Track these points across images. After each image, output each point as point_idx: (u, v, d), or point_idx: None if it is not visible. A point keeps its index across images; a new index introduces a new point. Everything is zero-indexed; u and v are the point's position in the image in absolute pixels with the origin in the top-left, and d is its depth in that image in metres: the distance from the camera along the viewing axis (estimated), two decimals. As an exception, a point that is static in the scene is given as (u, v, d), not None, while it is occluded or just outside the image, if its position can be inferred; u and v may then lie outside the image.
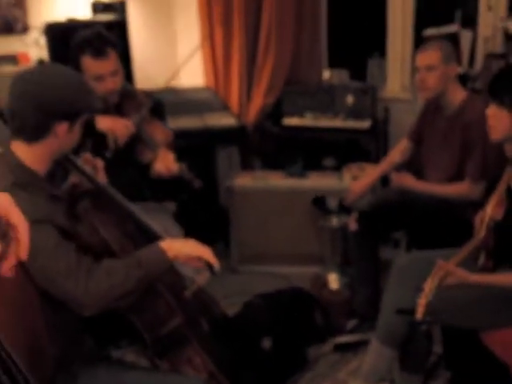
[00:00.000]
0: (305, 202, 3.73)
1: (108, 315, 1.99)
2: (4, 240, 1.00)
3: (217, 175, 4.34)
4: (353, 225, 3.24)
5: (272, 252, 3.84)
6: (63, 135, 1.84)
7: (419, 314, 2.07)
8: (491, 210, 2.42)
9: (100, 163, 2.14)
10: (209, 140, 4.23)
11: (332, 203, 3.58)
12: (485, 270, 2.41)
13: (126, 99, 2.87)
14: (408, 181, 3.21)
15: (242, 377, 2.16)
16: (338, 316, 3.23)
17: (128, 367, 2.04)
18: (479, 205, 2.96)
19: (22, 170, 1.82)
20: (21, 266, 1.09)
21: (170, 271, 2.00)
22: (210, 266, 1.97)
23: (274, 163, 4.38)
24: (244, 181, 3.90)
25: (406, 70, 4.58)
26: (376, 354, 2.54)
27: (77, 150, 2.11)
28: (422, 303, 2.07)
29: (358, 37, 5.40)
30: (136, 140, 2.76)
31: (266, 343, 2.84)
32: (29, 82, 1.87)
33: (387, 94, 4.59)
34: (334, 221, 3.63)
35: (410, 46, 4.52)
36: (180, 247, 1.95)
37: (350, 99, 4.32)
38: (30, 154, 1.84)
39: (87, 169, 2.06)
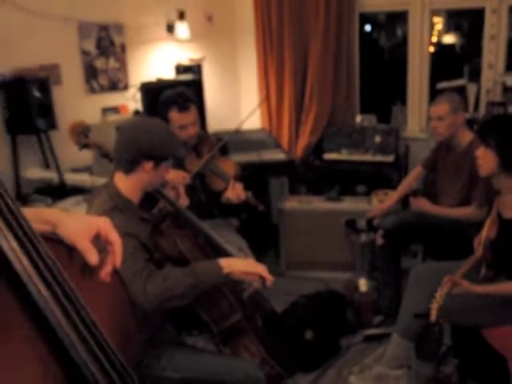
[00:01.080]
0: (340, 221, 3.72)
1: (184, 310, 2.02)
2: (102, 253, 1.04)
3: (270, 199, 4.37)
4: (379, 240, 3.23)
5: (313, 260, 3.84)
6: (149, 171, 1.91)
7: (432, 316, 2.05)
8: (486, 231, 2.39)
9: (182, 190, 2.19)
10: (264, 171, 4.28)
11: (361, 223, 3.55)
12: (486, 279, 2.37)
13: (202, 141, 2.94)
14: (424, 205, 3.18)
15: (288, 362, 2.15)
16: (367, 313, 3.20)
17: (199, 351, 2.07)
18: (481, 224, 2.93)
19: (119, 198, 1.90)
20: (115, 272, 1.13)
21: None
22: (263, 281, 1.94)
23: (315, 190, 4.40)
24: (292, 204, 3.92)
25: (422, 115, 4.58)
26: (396, 346, 2.50)
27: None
28: (434, 308, 2.05)
29: (384, 89, 5.39)
30: (207, 174, 2.81)
31: (308, 335, 2.83)
32: (129, 127, 1.96)
33: (407, 134, 4.57)
34: (363, 237, 3.61)
35: (426, 96, 4.54)
36: (238, 265, 1.91)
37: (377, 138, 4.32)
38: (126, 184, 1.91)
39: (171, 195, 2.11)
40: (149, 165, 1.90)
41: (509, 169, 2.29)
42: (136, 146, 1.89)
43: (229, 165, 2.97)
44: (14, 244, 0.88)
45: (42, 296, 0.90)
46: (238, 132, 4.65)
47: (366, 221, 3.47)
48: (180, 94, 2.77)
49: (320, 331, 2.87)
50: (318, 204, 3.87)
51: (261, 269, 1.93)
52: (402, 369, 2.52)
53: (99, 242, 1.06)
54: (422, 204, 3.20)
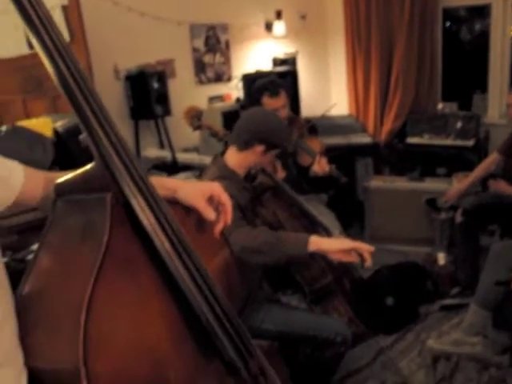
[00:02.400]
0: (421, 200, 3.59)
1: (279, 271, 2.05)
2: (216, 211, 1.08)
3: (356, 178, 4.29)
4: (458, 218, 3.09)
5: (395, 235, 3.72)
6: (258, 154, 1.92)
7: None
8: None
9: (279, 165, 2.20)
10: (351, 153, 4.20)
11: (441, 202, 3.41)
12: None
13: (292, 123, 2.93)
14: (503, 187, 3.00)
15: (372, 323, 2.12)
16: (444, 284, 3.08)
17: (293, 308, 2.08)
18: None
19: (226, 169, 1.93)
20: (221, 231, 1.15)
21: None
22: (362, 260, 1.68)
23: (398, 171, 4.26)
24: (376, 183, 3.82)
25: (503, 102, 4.27)
26: (474, 314, 2.39)
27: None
28: None
29: (464, 78, 5.11)
30: (297, 151, 2.81)
31: (389, 301, 2.77)
32: (253, 112, 2.02)
33: (488, 120, 4.31)
34: (443, 214, 3.46)
35: (507, 83, 4.23)
36: (329, 244, 1.70)
37: (458, 124, 4.10)
38: (235, 159, 1.94)
39: (269, 169, 2.12)
40: (260, 148, 1.91)
41: None
42: (255, 130, 1.90)
43: (315, 142, 2.96)
44: (143, 203, 0.93)
45: (164, 247, 0.94)
46: (327, 117, 4.62)
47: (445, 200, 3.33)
48: (271, 81, 2.77)
49: (400, 298, 2.80)
50: (401, 183, 3.74)
51: (362, 246, 1.68)
52: (478, 336, 2.41)
53: (213, 203, 1.10)
54: (500, 186, 3.01)
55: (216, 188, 1.09)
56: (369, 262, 1.65)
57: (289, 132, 1.98)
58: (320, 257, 1.98)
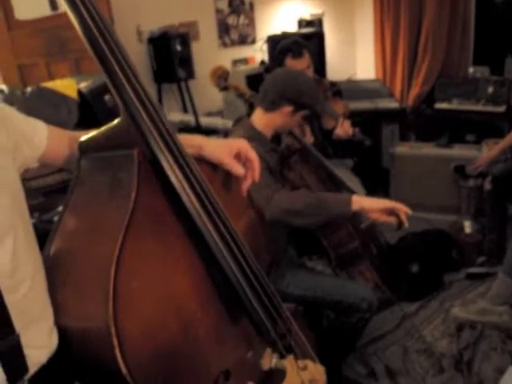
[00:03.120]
0: (448, 167, 3.49)
1: (306, 236, 2.03)
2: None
3: (381, 145, 4.20)
4: (487, 186, 3.01)
5: (420, 202, 3.62)
6: (286, 115, 1.86)
7: None
8: None
9: (308, 129, 2.15)
10: (377, 118, 4.10)
11: (470, 169, 3.31)
12: None
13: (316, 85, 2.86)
14: (536, 154, 2.90)
15: (397, 289, 2.10)
16: (470, 253, 3.03)
17: (319, 273, 2.07)
18: None
19: (253, 130, 1.88)
20: (248, 193, 1.13)
21: None
22: (399, 223, 1.71)
23: (425, 137, 4.14)
24: (403, 149, 3.73)
25: (538, 67, 4.09)
26: (502, 283, 2.35)
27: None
28: None
29: (497, 42, 4.90)
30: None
31: (414, 268, 2.74)
32: (281, 71, 1.95)
33: (522, 85, 4.12)
34: (471, 182, 3.38)
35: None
36: (371, 203, 1.71)
37: (489, 89, 3.96)
38: (262, 120, 1.89)
39: (297, 133, 2.08)
40: (288, 109, 1.85)
41: None
42: (283, 89, 1.84)
43: (339, 105, 2.89)
44: (171, 159, 0.90)
45: (193, 204, 0.92)
46: (353, 81, 4.52)
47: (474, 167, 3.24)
48: (294, 42, 2.68)
49: (425, 265, 2.76)
50: (428, 150, 3.64)
51: (400, 206, 1.71)
52: (504, 305, 2.37)
53: (240, 160, 1.07)
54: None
55: (243, 144, 1.06)
56: (406, 224, 1.67)
57: (318, 93, 1.91)
58: (348, 221, 1.96)
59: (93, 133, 0.97)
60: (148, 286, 0.87)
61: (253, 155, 1.06)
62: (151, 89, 3.60)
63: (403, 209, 1.70)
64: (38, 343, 0.80)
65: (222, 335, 1.05)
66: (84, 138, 0.97)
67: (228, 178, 1.11)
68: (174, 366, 0.92)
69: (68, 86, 2.20)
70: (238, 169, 1.02)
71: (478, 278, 2.88)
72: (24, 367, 0.76)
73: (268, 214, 1.67)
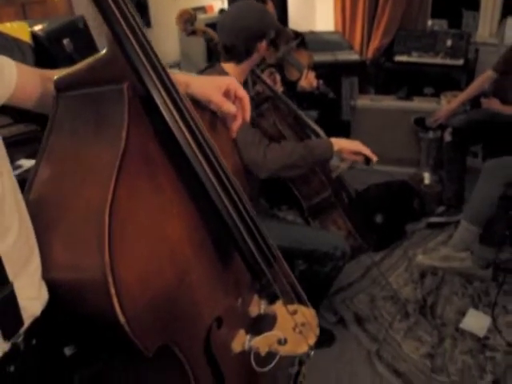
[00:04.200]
0: (409, 120, 3.55)
1: (276, 186, 2.00)
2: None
3: (341, 97, 4.19)
4: (447, 137, 3.08)
5: (381, 155, 3.65)
6: (263, 51, 1.81)
7: None
8: None
9: (278, 77, 2.10)
10: (337, 71, 4.06)
11: (430, 121, 3.37)
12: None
13: (280, 35, 2.78)
14: (495, 104, 2.97)
15: (368, 237, 2.13)
16: (430, 203, 3.12)
17: (291, 223, 2.07)
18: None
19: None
20: (233, 140, 1.09)
21: None
22: (367, 160, 1.88)
23: (384, 91, 4.17)
24: (364, 101, 3.74)
25: (494, 21, 4.17)
26: (464, 230, 2.43)
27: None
28: None
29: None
30: (285, 65, 2.69)
31: (378, 218, 2.79)
32: (232, 17, 1.81)
33: (478, 38, 4.19)
34: (431, 134, 3.44)
35: (499, 1, 4.08)
36: (347, 144, 1.86)
37: (448, 42, 4.00)
38: (236, 71, 1.82)
39: (269, 81, 2.03)
40: (263, 45, 1.80)
41: None
42: (248, 33, 1.76)
43: (303, 56, 2.84)
44: (164, 95, 0.83)
45: (188, 142, 0.86)
46: (314, 33, 4.44)
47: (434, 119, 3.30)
48: None
49: (389, 216, 2.83)
50: (389, 102, 3.67)
51: (366, 149, 1.88)
52: (466, 252, 2.46)
53: (229, 98, 1.01)
54: (493, 104, 2.99)
55: (232, 82, 1.00)
56: (374, 158, 1.88)
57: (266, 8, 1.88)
58: (320, 170, 1.95)
59: (70, 68, 0.89)
60: (143, 231, 0.82)
61: (243, 93, 1.00)
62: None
63: (371, 152, 1.89)
64: (30, 294, 0.74)
65: (214, 282, 1.02)
66: (61, 74, 0.89)
67: (214, 119, 1.06)
68: (170, 314, 0.89)
69: (20, 29, 2.03)
70: (228, 106, 0.96)
71: (438, 227, 2.98)
72: (19, 320, 0.70)
73: (265, 171, 1.71)
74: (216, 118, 1.06)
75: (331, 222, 1.97)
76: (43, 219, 0.83)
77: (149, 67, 0.80)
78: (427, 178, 3.34)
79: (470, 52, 4.04)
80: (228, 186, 0.92)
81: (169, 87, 0.83)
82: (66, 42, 1.91)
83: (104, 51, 0.83)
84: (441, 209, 3.07)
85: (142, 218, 0.82)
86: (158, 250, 0.85)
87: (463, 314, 2.28)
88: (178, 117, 0.84)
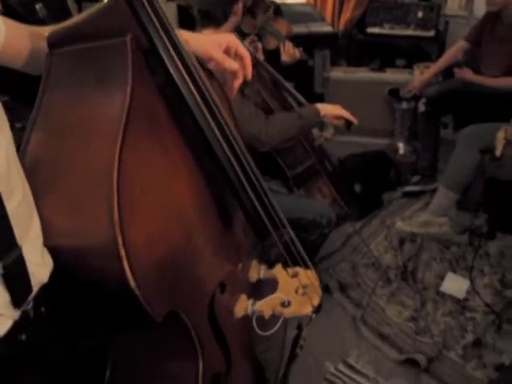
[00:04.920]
0: (383, 91, 3.57)
1: (259, 156, 1.98)
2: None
3: (314, 70, 4.16)
4: (421, 107, 3.10)
5: (355, 127, 3.70)
6: (239, 13, 1.77)
7: (498, 151, 1.98)
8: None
9: (259, 45, 2.06)
10: (310, 43, 4.01)
11: (404, 92, 3.39)
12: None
13: (256, 4, 2.73)
14: (468, 74, 3.01)
15: (350, 204, 2.14)
16: (405, 172, 3.16)
17: (276, 192, 2.05)
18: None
19: None
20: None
21: None
22: (348, 124, 1.98)
23: (356, 63, 4.16)
24: (338, 73, 3.73)
25: (463, -7, 4.19)
26: (442, 196, 2.48)
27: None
28: (500, 143, 1.97)
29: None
30: (263, 34, 2.64)
31: (357, 187, 2.81)
32: None
33: (448, 11, 4.22)
34: (404, 104, 3.47)
35: (470, -28, 4.10)
36: (330, 109, 1.94)
37: (419, 14, 4.01)
38: None
39: (250, 49, 1.98)
40: (239, 6, 1.78)
41: None
42: None
43: (282, 25, 2.79)
44: (170, 48, 0.79)
45: (194, 98, 0.83)
46: (285, 5, 4.37)
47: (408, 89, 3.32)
48: None
49: (367, 185, 2.85)
50: (362, 74, 3.68)
51: (346, 112, 1.96)
52: (445, 217, 2.51)
53: (229, 56, 0.97)
54: (466, 74, 3.02)
55: (232, 39, 0.96)
56: (356, 121, 2.01)
57: None
58: (305, 139, 1.94)
59: (65, 23, 0.83)
60: (150, 192, 0.79)
61: (243, 51, 0.97)
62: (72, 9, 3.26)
63: (351, 116, 2.02)
64: (36, 260, 0.70)
65: (217, 246, 1.00)
66: (54, 29, 0.83)
67: (211, 80, 1.02)
68: (177, 277, 0.86)
69: (-14, -6, 1.91)
70: (230, 63, 0.92)
71: (413, 196, 3.03)
72: (28, 286, 0.66)
73: (267, 145, 1.73)
74: (213, 77, 1.02)
75: (316, 189, 1.97)
76: (41, 182, 0.78)
77: (153, 16, 0.75)
78: (402, 148, 3.38)
79: (440, 24, 4.07)
80: (233, 143, 0.90)
81: (174, 39, 0.79)
82: (38, 7, 1.81)
83: (104, 2, 0.78)
84: (416, 178, 3.11)
85: (149, 178, 0.79)
86: (166, 210, 0.82)
87: (442, 278, 2.34)
88: (184, 72, 0.80)
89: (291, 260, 1.10)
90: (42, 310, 0.72)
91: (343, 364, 1.92)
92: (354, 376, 1.87)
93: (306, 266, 1.13)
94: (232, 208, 1.05)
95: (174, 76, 0.79)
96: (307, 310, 1.07)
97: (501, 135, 2.02)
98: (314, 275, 1.14)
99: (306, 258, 1.15)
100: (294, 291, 1.10)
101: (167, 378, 0.99)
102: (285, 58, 2.56)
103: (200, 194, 0.92)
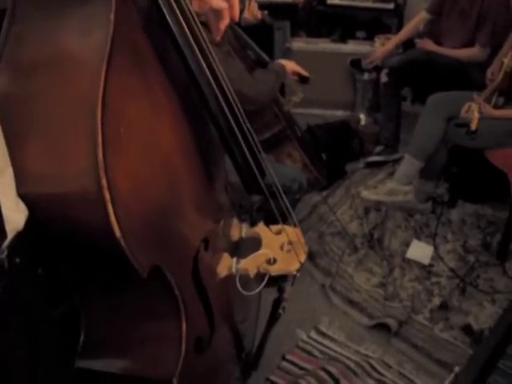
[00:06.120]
0: (344, 62, 3.54)
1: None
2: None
3: (273, 42, 4.10)
4: (384, 78, 3.11)
5: (315, 99, 3.62)
6: None
7: (473, 125, 2.00)
8: (508, 60, 2.28)
9: None
10: (270, 12, 3.95)
11: (366, 63, 3.39)
12: (495, 106, 2.31)
13: None
14: (429, 45, 3.04)
15: (320, 170, 2.12)
16: (368, 143, 3.17)
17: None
18: (482, 65, 2.83)
19: None
20: None
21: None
22: (302, 79, 2.07)
23: (315, 35, 4.12)
24: (299, 44, 3.68)
25: (421, -34, 4.21)
26: (408, 164, 2.49)
27: None
28: (475, 117, 1.99)
29: None
30: None
31: (323, 157, 2.79)
32: None
33: (406, -17, 4.24)
34: (366, 75, 3.47)
35: None
36: (290, 65, 2.01)
37: (379, -14, 4.00)
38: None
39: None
40: None
41: None
42: None
43: None
44: None
45: (183, 31, 0.76)
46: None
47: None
48: None
49: (330, 155, 2.84)
50: (324, 45, 3.64)
51: (300, 67, 2.05)
52: (410, 185, 2.54)
53: None
54: (427, 44, 3.05)
55: None
56: (306, 73, 2.12)
57: None
58: (274, 104, 1.89)
59: None
60: (135, 133, 0.72)
61: None
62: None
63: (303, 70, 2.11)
64: (10, 205, 0.62)
65: (201, 200, 0.95)
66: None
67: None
68: (162, 229, 0.81)
69: None
70: (218, 2, 0.86)
71: (376, 166, 3.05)
72: (2, 230, 0.59)
73: (255, 105, 1.73)
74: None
75: (286, 155, 1.93)
76: (13, 124, 0.69)
77: None
78: (363, 119, 3.39)
79: (399, -4, 4.09)
80: (224, 85, 0.84)
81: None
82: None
83: None
84: (378, 148, 3.13)
85: (135, 119, 0.73)
86: (151, 155, 0.76)
87: (407, 245, 2.37)
88: (175, 7, 0.73)
89: (279, 214, 1.07)
90: (17, 260, 0.65)
91: (315, 331, 1.91)
92: (326, 342, 1.87)
93: (289, 222, 1.10)
94: (215, 162, 1.00)
95: (167, 14, 0.72)
96: (294, 266, 1.04)
97: (475, 108, 2.03)
98: (299, 232, 1.10)
99: (292, 213, 1.11)
100: (278, 248, 1.06)
101: (147, 341, 0.93)
102: (247, 15, 2.50)
103: (185, 142, 0.86)
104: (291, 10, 4.05)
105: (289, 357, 1.78)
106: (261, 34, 3.71)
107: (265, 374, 1.68)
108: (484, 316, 1.98)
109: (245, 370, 1.33)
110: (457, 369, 1.40)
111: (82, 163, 0.65)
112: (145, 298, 0.88)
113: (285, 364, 1.76)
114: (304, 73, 2.05)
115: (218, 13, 0.88)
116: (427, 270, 2.22)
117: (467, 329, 1.92)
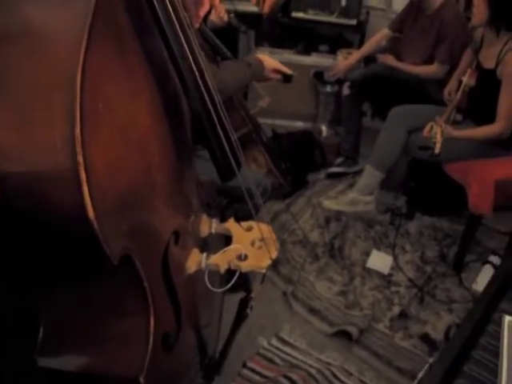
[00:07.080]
0: (307, 74, 3.59)
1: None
2: None
3: (238, 50, 4.12)
4: (346, 90, 3.17)
5: (279, 109, 3.69)
6: None
7: (437, 149, 2.05)
8: (466, 79, 2.37)
9: None
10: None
11: (329, 76, 3.45)
12: (453, 123, 2.40)
13: None
14: (390, 60, 3.13)
15: (284, 175, 2.12)
16: (330, 154, 3.21)
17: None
18: (440, 82, 2.93)
19: None
20: None
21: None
22: (285, 77, 1.88)
23: (278, 46, 4.17)
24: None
25: (383, -14, 4.35)
26: (369, 175, 2.53)
27: None
28: (438, 141, 2.04)
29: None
30: None
31: (285, 166, 2.80)
32: None
33: (369, 2, 4.36)
34: (328, 88, 3.53)
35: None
36: (270, 61, 1.85)
37: (343, 2, 4.09)
38: None
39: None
40: None
41: (495, 23, 2.22)
42: None
43: None
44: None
45: (169, 17, 0.75)
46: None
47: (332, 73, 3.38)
48: None
49: (293, 165, 2.86)
50: (288, 56, 3.69)
51: (283, 66, 1.87)
52: (371, 196, 2.58)
53: None
54: (388, 59, 3.14)
55: None
56: (291, 71, 1.92)
57: None
58: (240, 106, 1.89)
59: None
60: (113, 112, 0.70)
61: None
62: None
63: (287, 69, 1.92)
64: None
65: (174, 191, 0.93)
66: None
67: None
68: (134, 216, 0.78)
69: None
70: None
71: (336, 177, 3.09)
72: None
73: (223, 95, 1.62)
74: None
75: (251, 159, 1.92)
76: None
77: None
78: (325, 131, 3.43)
79: (361, 14, 4.20)
80: (204, 72, 0.82)
81: None
82: None
83: None
84: (339, 160, 3.17)
85: (113, 97, 0.70)
86: (128, 136, 0.73)
87: (368, 254, 2.40)
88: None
89: (253, 206, 1.06)
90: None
91: (276, 338, 1.89)
92: (287, 350, 1.85)
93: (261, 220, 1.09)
94: (188, 158, 0.98)
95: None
96: (265, 263, 1.03)
97: (438, 131, 2.09)
98: (270, 228, 1.09)
99: (264, 209, 1.10)
100: (249, 245, 1.05)
101: (114, 336, 0.89)
102: (213, 17, 2.48)
103: (161, 129, 0.84)
104: (256, 19, 4.09)
105: (250, 364, 1.76)
106: (226, 36, 3.75)
107: (225, 381, 1.65)
108: (441, 325, 2.02)
109: (207, 374, 1.29)
110: (420, 375, 1.41)
111: (56, 136, 0.62)
112: (112, 290, 0.85)
113: (246, 371, 1.74)
114: (287, 70, 1.88)
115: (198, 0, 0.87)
116: (387, 280, 2.25)
117: (425, 337, 1.96)
